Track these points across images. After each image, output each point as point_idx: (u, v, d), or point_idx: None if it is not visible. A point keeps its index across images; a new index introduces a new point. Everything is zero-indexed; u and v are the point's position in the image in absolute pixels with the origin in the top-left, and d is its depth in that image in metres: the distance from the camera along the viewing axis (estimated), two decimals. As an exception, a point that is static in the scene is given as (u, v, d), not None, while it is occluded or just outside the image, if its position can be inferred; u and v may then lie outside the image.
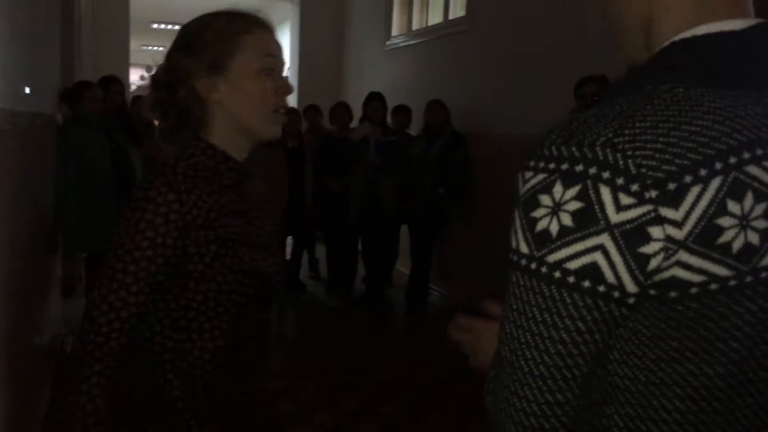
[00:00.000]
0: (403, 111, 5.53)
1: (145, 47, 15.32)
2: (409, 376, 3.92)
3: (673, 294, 0.63)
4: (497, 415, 0.70)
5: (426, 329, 5.10)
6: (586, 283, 0.62)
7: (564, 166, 0.64)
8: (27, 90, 2.60)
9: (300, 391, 3.55)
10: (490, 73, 5.10)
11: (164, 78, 1.19)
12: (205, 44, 1.16)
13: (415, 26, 6.74)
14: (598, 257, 0.62)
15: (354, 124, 5.70)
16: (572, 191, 0.63)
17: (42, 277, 3.50)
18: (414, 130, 5.54)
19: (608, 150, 0.62)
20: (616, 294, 0.63)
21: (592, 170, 0.62)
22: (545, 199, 0.65)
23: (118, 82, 4.73)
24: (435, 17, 6.36)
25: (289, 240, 5.71)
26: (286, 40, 9.31)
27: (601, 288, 0.62)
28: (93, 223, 4.02)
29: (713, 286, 0.63)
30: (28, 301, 2.65)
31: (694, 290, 0.63)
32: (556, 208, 0.64)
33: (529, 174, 0.68)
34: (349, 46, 8.25)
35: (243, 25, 1.18)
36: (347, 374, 3.92)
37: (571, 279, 0.63)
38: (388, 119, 5.56)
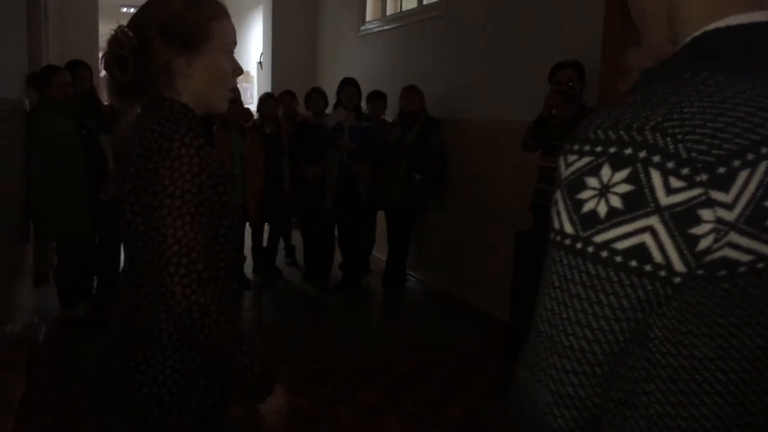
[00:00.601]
0: (378, 97, 5.51)
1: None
2: (387, 362, 3.94)
3: (721, 273, 0.66)
4: (531, 385, 0.73)
5: (403, 315, 5.12)
6: (633, 263, 0.65)
7: (612, 150, 0.66)
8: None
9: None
10: (465, 59, 5.10)
11: (131, 43, 1.29)
12: (181, 28, 1.30)
13: (389, 11, 6.70)
14: (646, 238, 0.65)
15: (329, 110, 5.67)
16: (621, 174, 0.65)
17: (12, 265, 3.44)
18: (389, 115, 5.53)
19: (658, 134, 0.65)
20: (663, 273, 0.65)
21: (642, 154, 0.65)
22: (592, 182, 0.67)
23: (86, 66, 4.63)
24: (409, 2, 6.33)
25: (266, 226, 5.68)
26: (259, 24, 9.20)
27: (648, 267, 0.65)
28: (64, 210, 3.95)
29: (760, 265, 0.66)
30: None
31: (742, 269, 0.66)
32: (604, 190, 0.66)
33: (573, 157, 0.69)
34: (322, 32, 8.18)
35: (213, 11, 1.33)
36: (324, 360, 3.92)
37: (618, 258, 0.66)
38: (363, 105, 5.54)
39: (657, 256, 0.65)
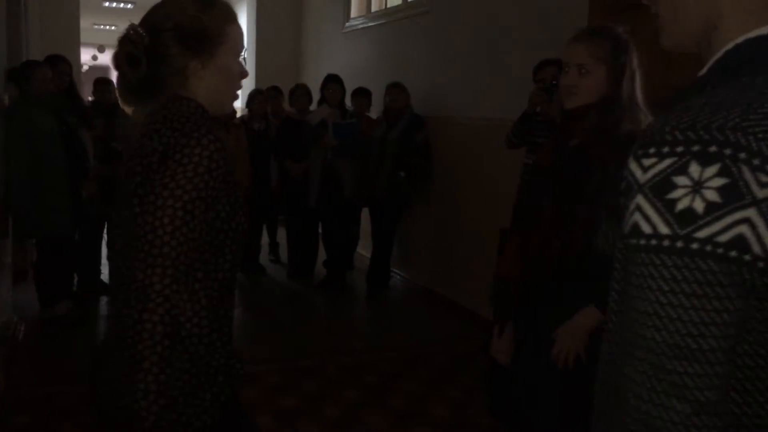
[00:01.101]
0: (362, 93, 5.49)
1: (96, 26, 14.88)
2: (371, 360, 3.93)
3: None
4: (652, 404, 0.69)
5: (387, 313, 5.12)
6: (733, 253, 0.66)
7: (695, 148, 0.67)
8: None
9: (262, 376, 3.52)
10: (449, 55, 5.09)
11: (143, 42, 1.29)
12: (197, 31, 1.32)
13: (374, 8, 6.68)
14: (744, 230, 0.66)
15: (314, 107, 5.64)
16: (713, 169, 0.66)
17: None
18: (374, 112, 5.51)
19: (739, 134, 0.67)
20: (761, 264, 0.67)
21: (728, 151, 0.66)
22: (682, 180, 0.67)
23: (65, 61, 4.57)
24: (394, -1, 6.32)
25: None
26: (243, 20, 9.14)
27: (747, 257, 0.66)
28: (44, 207, 3.90)
29: None
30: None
31: None
32: (697, 187, 0.66)
33: (650, 161, 0.70)
34: (307, 28, 8.15)
35: (227, 16, 1.36)
36: (308, 358, 3.91)
37: (720, 251, 0.66)
38: (348, 102, 5.52)
39: (756, 248, 0.66)
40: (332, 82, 5.39)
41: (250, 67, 8.57)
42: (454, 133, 5.01)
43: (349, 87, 5.49)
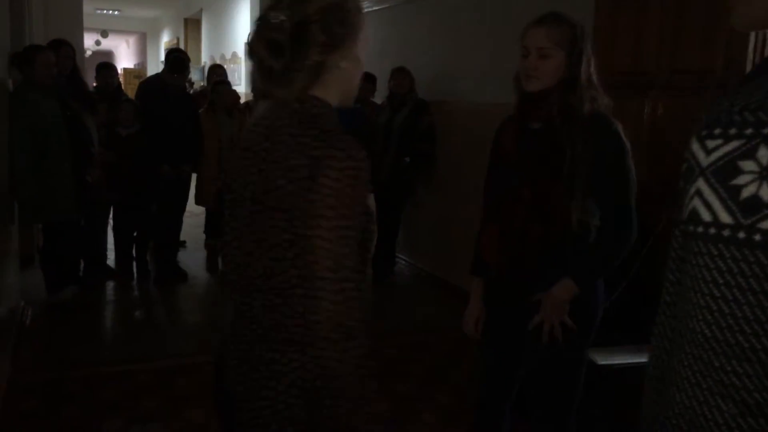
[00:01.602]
0: (367, 79, 5.45)
1: (99, 11, 14.82)
2: (376, 345, 3.92)
3: None
4: (695, 401, 0.66)
5: (392, 298, 5.12)
6: None
7: (766, 131, 0.61)
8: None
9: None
10: (454, 39, 5.05)
11: (288, 30, 1.20)
12: (343, 23, 1.25)
13: (379, -8, 6.62)
14: None
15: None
16: None
17: (-4, 249, 3.40)
18: (378, 98, 5.48)
19: None
20: None
21: None
22: (749, 165, 0.62)
23: (68, 45, 4.55)
24: (399, -18, 6.26)
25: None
26: (246, 4, 9.09)
27: None
28: (49, 192, 3.90)
29: None
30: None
31: None
32: (765, 173, 0.61)
33: (715, 142, 0.64)
34: (311, 12, 8.09)
35: (360, 6, 1.32)
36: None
37: None
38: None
39: None
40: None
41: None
42: (459, 118, 4.98)
43: (354, 72, 5.46)
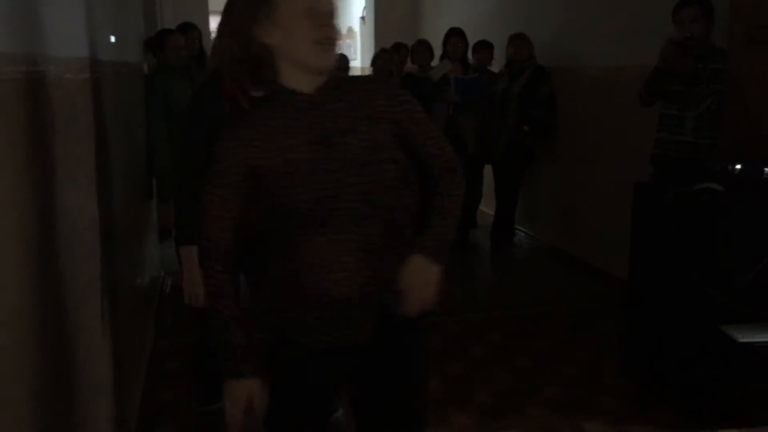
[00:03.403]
0: (484, 47, 5.34)
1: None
2: (496, 318, 3.90)
3: None
4: None
5: (512, 271, 5.04)
6: None
7: None
8: (112, 39, 2.65)
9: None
10: (576, 1, 4.82)
11: (230, 30, 1.38)
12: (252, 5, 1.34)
13: (495, -44, 6.42)
14: None
15: (435, 62, 5.56)
16: None
17: (139, 222, 3.65)
18: (496, 66, 5.35)
19: None
20: None
21: None
22: None
23: (195, 28, 4.77)
24: (517, -55, 6.04)
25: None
26: (362, -22, 9.12)
27: None
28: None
29: None
30: (127, 244, 2.77)
31: None
32: None
33: None
34: (426, -18, 8.00)
35: None
36: (432, 315, 3.92)
37: None
38: (470, 56, 5.39)
39: None
40: (455, 35, 5.27)
41: (369, 25, 8.58)
42: (581, 84, 4.76)
43: (471, 40, 5.35)
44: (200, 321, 2.43)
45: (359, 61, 9.40)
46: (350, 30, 10.03)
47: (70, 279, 1.65)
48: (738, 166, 2.76)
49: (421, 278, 1.42)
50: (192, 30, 4.71)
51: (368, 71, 6.04)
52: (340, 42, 1.45)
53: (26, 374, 1.26)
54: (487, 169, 5.39)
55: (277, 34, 1.33)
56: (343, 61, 5.35)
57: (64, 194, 1.63)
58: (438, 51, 5.49)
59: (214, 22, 14.70)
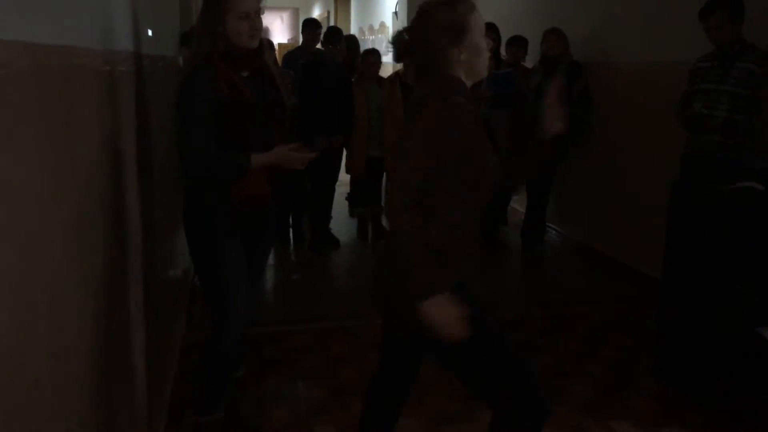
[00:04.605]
0: (518, 42, 5.29)
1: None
2: (525, 315, 3.87)
3: None
4: None
5: (542, 269, 5.00)
6: None
7: None
8: (150, 33, 2.68)
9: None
10: (613, -4, 4.75)
11: (416, 38, 1.85)
12: (454, 27, 1.79)
13: (530, -50, 6.35)
14: None
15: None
16: None
17: (172, 213, 3.70)
18: (530, 62, 5.30)
19: None
20: None
21: None
22: None
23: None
24: (552, -61, 5.96)
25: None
26: (394, -27, 9.09)
27: None
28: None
29: None
30: (160, 235, 2.81)
31: None
32: None
33: None
34: (459, -23, 7.94)
35: (468, 3, 1.83)
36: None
37: None
38: (503, 51, 5.35)
39: None
40: (488, 30, 5.21)
41: (402, 20, 8.55)
42: (616, 81, 4.70)
43: (505, 35, 5.30)
44: (213, 321, 2.40)
45: (387, 57, 9.38)
46: (382, 25, 10.02)
47: (111, 272, 1.68)
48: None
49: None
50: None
51: (399, 66, 6.01)
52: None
53: (67, 365, 1.28)
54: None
55: (470, 49, 1.84)
56: (375, 56, 5.34)
57: (105, 186, 1.65)
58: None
59: (246, 17, 14.83)
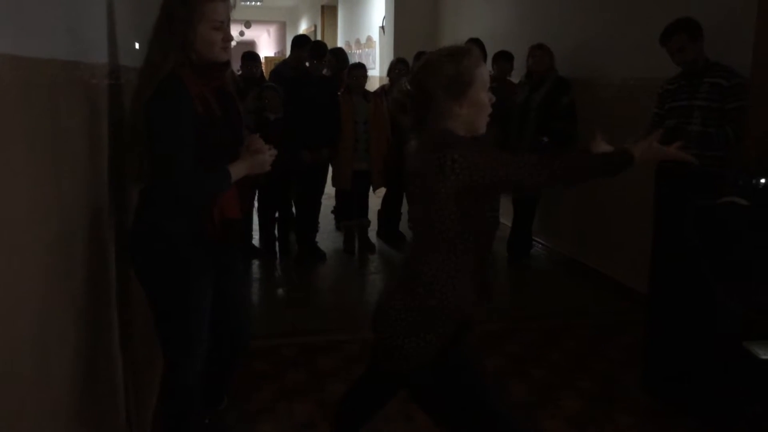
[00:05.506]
0: (504, 57, 5.34)
1: (243, 2, 15.59)
2: (513, 329, 3.87)
3: None
4: None
5: (528, 282, 5.01)
6: None
7: None
8: (137, 45, 2.68)
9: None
10: (598, 12, 4.80)
11: (418, 88, 1.83)
12: (456, 81, 1.76)
13: (515, -33, 6.43)
14: None
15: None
16: None
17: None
18: (516, 77, 5.34)
19: None
20: None
21: None
22: None
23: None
24: (537, -44, 6.04)
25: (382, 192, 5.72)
26: (381, -12, 9.16)
27: None
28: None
29: None
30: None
31: None
32: None
33: None
34: (445, -8, 8.02)
35: (473, 57, 1.81)
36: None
37: None
38: (489, 66, 5.39)
39: None
40: (472, 45, 5.27)
41: (388, 35, 8.61)
42: (602, 96, 4.74)
43: (490, 51, 5.34)
44: (168, 357, 2.21)
45: (377, 71, 9.43)
46: (369, 39, 10.08)
47: (94, 286, 1.66)
48: (763, 181, 2.73)
49: None
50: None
51: (385, 81, 6.04)
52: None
53: (51, 374, 1.26)
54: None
55: (471, 104, 1.82)
56: (362, 70, 5.36)
57: (90, 199, 1.64)
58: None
59: (234, 31, 14.92)
